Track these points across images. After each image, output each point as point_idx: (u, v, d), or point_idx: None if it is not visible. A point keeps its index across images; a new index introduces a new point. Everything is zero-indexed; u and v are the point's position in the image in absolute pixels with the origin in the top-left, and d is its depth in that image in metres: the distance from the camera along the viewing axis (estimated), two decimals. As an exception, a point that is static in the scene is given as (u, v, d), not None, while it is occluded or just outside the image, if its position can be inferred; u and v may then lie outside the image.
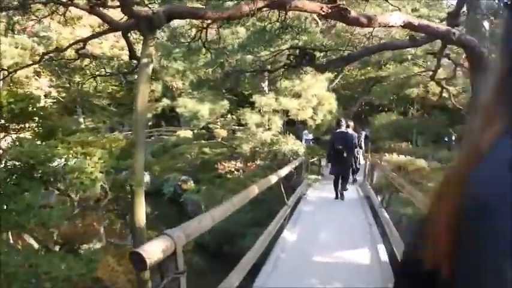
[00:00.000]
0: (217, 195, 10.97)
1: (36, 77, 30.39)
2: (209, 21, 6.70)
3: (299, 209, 7.21)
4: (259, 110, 14.24)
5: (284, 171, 5.89)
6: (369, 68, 26.21)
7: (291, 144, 11.35)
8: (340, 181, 7.86)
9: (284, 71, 8.37)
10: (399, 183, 4.52)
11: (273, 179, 5.13)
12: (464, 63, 13.06)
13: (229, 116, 19.68)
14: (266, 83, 17.57)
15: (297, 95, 14.73)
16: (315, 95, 15.95)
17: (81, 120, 31.80)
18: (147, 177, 15.89)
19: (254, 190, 3.79)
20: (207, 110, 16.68)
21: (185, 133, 23.52)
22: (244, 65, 9.42)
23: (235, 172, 13.04)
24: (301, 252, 4.52)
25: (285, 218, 5.72)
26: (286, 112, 15.46)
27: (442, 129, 22.28)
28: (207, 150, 17.44)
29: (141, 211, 5.10)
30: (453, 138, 19.36)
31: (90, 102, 33.24)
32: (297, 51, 7.46)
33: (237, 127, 19.72)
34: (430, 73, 13.37)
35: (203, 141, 20.17)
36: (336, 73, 26.46)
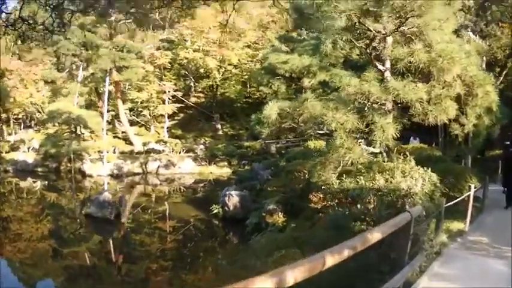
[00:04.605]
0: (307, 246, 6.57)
1: (157, 81, 30.61)
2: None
3: None
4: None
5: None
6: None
7: (400, 174, 5.13)
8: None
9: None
10: None
11: None
12: None
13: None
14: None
15: (423, 74, 8.05)
16: (458, 77, 8.79)
17: (219, 126, 31.05)
18: (235, 198, 13.51)
19: None
20: (275, 110, 11.40)
21: (317, 143, 15.75)
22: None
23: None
24: None
25: None
26: (404, 108, 8.81)
27: None
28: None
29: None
30: None
31: (231, 107, 31.91)
32: None
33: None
34: None
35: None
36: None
